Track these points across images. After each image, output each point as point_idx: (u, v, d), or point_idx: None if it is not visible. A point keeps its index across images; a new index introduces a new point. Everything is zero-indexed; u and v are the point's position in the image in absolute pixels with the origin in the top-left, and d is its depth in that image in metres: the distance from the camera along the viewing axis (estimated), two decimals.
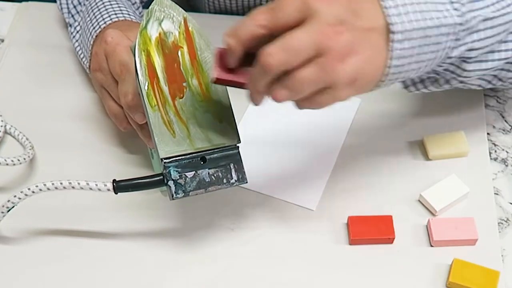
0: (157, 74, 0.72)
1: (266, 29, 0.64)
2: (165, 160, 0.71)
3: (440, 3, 0.70)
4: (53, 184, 0.74)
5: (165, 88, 0.73)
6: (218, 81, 0.69)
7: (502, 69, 0.79)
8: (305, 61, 0.62)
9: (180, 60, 0.74)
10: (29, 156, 0.86)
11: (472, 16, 0.71)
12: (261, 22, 0.64)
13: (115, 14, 0.88)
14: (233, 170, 0.74)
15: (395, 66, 0.67)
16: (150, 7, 0.74)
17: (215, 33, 0.76)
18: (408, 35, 0.66)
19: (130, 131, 0.83)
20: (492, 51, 0.75)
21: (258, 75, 0.64)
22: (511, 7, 0.74)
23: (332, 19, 0.63)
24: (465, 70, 0.75)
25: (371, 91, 0.70)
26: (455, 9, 0.70)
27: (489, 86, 0.82)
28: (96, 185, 0.74)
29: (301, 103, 0.67)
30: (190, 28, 0.75)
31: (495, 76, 0.80)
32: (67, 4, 0.97)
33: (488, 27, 0.72)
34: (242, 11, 1.07)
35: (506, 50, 0.76)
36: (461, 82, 0.77)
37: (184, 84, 0.73)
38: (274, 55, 0.61)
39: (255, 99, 0.68)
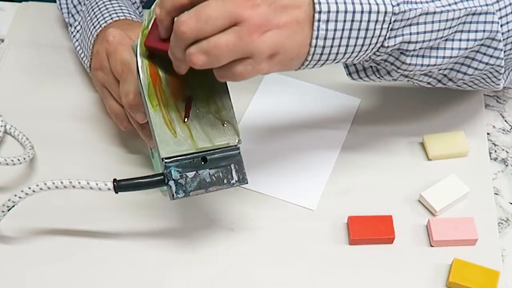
0: (158, 74, 0.72)
1: (188, 2, 0.65)
2: (166, 160, 0.71)
3: None
4: (53, 183, 0.74)
5: (167, 88, 0.73)
6: (147, 47, 0.70)
7: (451, 69, 0.78)
8: (220, 29, 0.63)
9: None
10: (29, 156, 0.86)
11: (410, 7, 0.69)
12: None
13: (116, 13, 0.88)
14: (233, 171, 0.74)
15: (319, 46, 0.67)
16: (152, 7, 0.74)
17: None
18: (333, 16, 0.66)
19: (131, 130, 0.82)
20: (436, 48, 0.74)
21: (174, 42, 0.65)
22: (459, 4, 0.72)
23: None
24: (403, 63, 0.74)
25: (298, 69, 0.70)
26: None
27: (440, 85, 0.81)
28: (97, 184, 0.74)
29: (221, 73, 0.66)
30: None
31: (444, 75, 0.80)
32: (66, 4, 0.97)
33: (429, 21, 0.71)
34: None
35: (452, 49, 0.74)
36: (404, 75, 0.77)
37: (186, 83, 0.74)
38: (187, 22, 0.63)
39: (178, 67, 0.69)
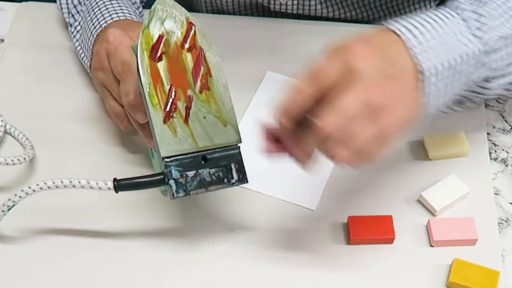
0: (159, 74, 0.72)
1: (314, 99, 0.65)
2: (166, 159, 0.71)
3: (460, 33, 0.71)
4: (53, 182, 0.74)
5: (167, 88, 0.73)
6: (269, 153, 0.72)
7: None
8: (359, 120, 0.64)
9: (183, 60, 0.74)
10: (29, 156, 0.86)
11: (489, 37, 0.72)
12: (308, 94, 0.65)
13: (116, 13, 0.88)
14: (234, 170, 0.74)
15: (427, 103, 0.69)
16: (152, 6, 0.74)
17: (214, 33, 0.76)
18: (438, 74, 0.69)
19: (131, 130, 0.83)
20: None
21: (313, 142, 0.66)
22: None
23: (373, 74, 0.64)
24: (486, 89, 0.76)
25: None
26: (475, 36, 0.71)
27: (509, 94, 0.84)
28: (97, 183, 0.74)
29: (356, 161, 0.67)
30: (192, 28, 0.75)
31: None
32: (67, 4, 0.97)
33: (504, 44, 0.73)
34: (238, 11, 1.08)
35: None
36: (485, 99, 0.80)
37: (187, 83, 0.74)
38: (331, 123, 0.63)
39: (305, 163, 0.69)
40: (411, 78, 0.68)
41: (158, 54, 0.73)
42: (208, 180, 0.73)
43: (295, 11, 1.04)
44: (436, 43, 0.69)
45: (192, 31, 0.75)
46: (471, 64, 0.72)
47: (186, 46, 0.74)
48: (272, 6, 1.04)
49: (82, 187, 0.75)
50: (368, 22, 1.08)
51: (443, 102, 0.72)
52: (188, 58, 0.74)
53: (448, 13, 0.72)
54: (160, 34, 0.73)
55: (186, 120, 0.73)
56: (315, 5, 1.03)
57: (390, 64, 0.66)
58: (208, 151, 0.73)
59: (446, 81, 0.70)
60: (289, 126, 0.67)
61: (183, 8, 0.75)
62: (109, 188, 0.74)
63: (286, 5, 1.03)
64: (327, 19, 1.05)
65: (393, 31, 0.69)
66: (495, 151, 0.90)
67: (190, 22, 0.75)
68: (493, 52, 0.73)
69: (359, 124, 0.64)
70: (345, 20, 1.07)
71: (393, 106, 0.65)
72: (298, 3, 1.03)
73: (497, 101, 0.94)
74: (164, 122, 0.72)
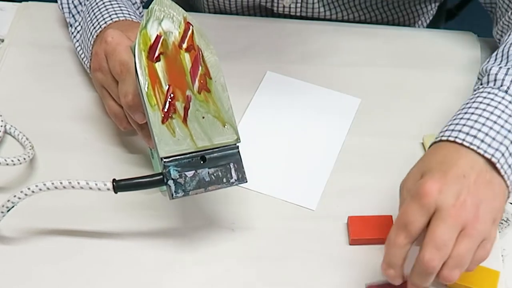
0: (157, 74, 0.72)
1: (410, 244, 0.71)
2: (165, 160, 0.71)
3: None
4: (53, 183, 0.74)
5: (166, 88, 0.73)
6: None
7: None
8: (455, 242, 0.69)
9: (181, 60, 0.74)
10: (29, 156, 0.86)
11: None
12: (406, 244, 0.71)
13: (116, 14, 0.88)
14: (233, 170, 0.74)
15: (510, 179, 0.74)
16: (150, 7, 0.74)
17: (214, 33, 0.76)
18: (506, 154, 0.73)
19: (130, 130, 0.83)
20: None
21: (423, 276, 0.70)
22: None
23: (452, 200, 0.69)
24: None
25: None
26: None
27: None
28: (96, 184, 0.74)
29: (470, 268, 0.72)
30: (190, 28, 0.75)
31: None
32: (68, 4, 0.97)
33: None
34: (241, 12, 1.08)
35: None
36: None
37: (185, 83, 0.74)
38: (434, 257, 0.68)
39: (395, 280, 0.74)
40: (487, 173, 0.72)
41: (156, 54, 0.73)
42: (207, 180, 0.73)
43: (298, 14, 1.04)
44: (499, 134, 0.74)
45: (190, 31, 0.75)
46: None
47: (184, 46, 0.74)
48: (275, 8, 1.04)
49: (81, 188, 0.75)
50: (371, 23, 1.09)
51: None
52: (186, 58, 0.74)
53: (497, 99, 0.77)
54: (157, 35, 0.73)
55: (184, 120, 0.73)
56: (318, 8, 1.03)
57: (462, 177, 0.71)
58: (207, 151, 0.73)
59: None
60: (399, 275, 0.73)
61: (180, 8, 0.75)
62: (108, 189, 0.74)
63: (290, 7, 1.03)
64: (330, 21, 1.05)
65: (455, 142, 0.74)
66: None
67: (188, 22, 0.75)
68: None
69: (456, 245, 0.69)
70: (348, 22, 1.07)
71: (481, 214, 0.70)
72: (301, 6, 1.03)
73: None
74: (163, 122, 0.72)
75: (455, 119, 0.77)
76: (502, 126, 0.74)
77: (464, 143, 0.73)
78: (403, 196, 0.74)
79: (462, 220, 0.69)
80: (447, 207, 0.69)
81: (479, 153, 0.72)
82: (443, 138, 0.75)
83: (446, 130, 0.76)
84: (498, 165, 0.72)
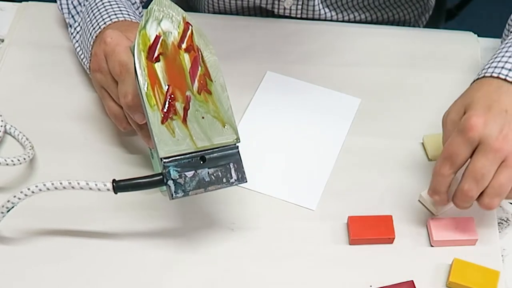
0: (157, 74, 0.72)
1: (454, 173, 0.77)
2: (164, 160, 0.71)
3: None
4: (53, 184, 0.74)
5: (165, 88, 0.73)
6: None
7: None
8: (495, 172, 0.75)
9: (181, 60, 0.74)
10: (29, 156, 0.86)
11: None
12: (450, 174, 0.77)
13: (115, 14, 0.88)
14: (232, 170, 0.74)
15: None
16: (149, 7, 0.74)
17: (214, 33, 0.76)
18: None
19: (130, 131, 0.83)
20: None
21: (463, 202, 0.77)
22: None
23: (495, 133, 0.74)
24: None
25: None
26: None
27: None
28: (96, 185, 0.74)
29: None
30: (189, 28, 0.75)
31: None
32: (67, 4, 0.97)
33: None
34: (242, 11, 1.08)
35: None
36: None
37: (184, 84, 0.73)
38: (472, 188, 0.75)
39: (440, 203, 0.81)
40: None
41: (155, 54, 0.73)
42: (207, 180, 0.73)
43: (299, 15, 1.04)
44: None
45: (189, 31, 0.75)
46: None
47: (183, 46, 0.74)
48: (276, 10, 1.04)
49: (81, 188, 0.75)
50: (371, 23, 1.09)
51: None
52: (186, 58, 0.74)
53: None
54: (157, 35, 0.73)
55: (184, 120, 0.73)
56: (319, 9, 1.03)
57: (504, 113, 0.75)
58: (207, 151, 0.73)
59: None
60: (444, 202, 0.79)
61: (179, 8, 0.75)
62: (108, 190, 0.74)
63: (290, 9, 1.03)
64: (330, 21, 1.05)
65: (499, 78, 0.78)
66: None
67: (187, 22, 0.75)
68: None
69: (496, 175, 0.74)
70: (348, 22, 1.07)
71: None
72: (302, 8, 1.03)
73: None
74: (162, 122, 0.72)
75: (496, 57, 0.81)
76: None
77: (508, 78, 0.77)
78: (447, 128, 0.78)
79: (504, 153, 0.74)
80: (490, 141, 0.73)
81: None
82: (487, 74, 0.79)
83: (489, 68, 0.79)
84: None
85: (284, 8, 1.04)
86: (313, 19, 1.05)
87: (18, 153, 0.87)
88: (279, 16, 1.06)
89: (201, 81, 0.74)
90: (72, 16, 0.96)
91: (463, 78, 0.95)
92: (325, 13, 1.04)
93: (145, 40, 0.73)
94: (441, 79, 0.96)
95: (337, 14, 1.05)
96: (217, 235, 0.83)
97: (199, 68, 0.74)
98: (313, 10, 1.03)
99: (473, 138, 0.74)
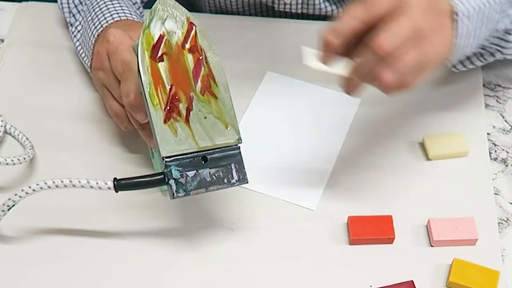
0: (160, 74, 0.72)
1: (363, 23, 0.70)
2: (166, 159, 0.71)
3: None
4: (53, 182, 0.74)
5: (168, 88, 0.73)
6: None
7: None
8: (407, 44, 0.68)
9: (184, 60, 0.74)
10: (29, 156, 0.86)
11: None
12: (359, 18, 0.70)
13: (117, 13, 0.88)
14: (234, 170, 0.74)
15: (459, 44, 0.74)
16: (153, 6, 0.74)
17: (214, 33, 0.76)
18: (470, 17, 0.74)
19: (131, 130, 0.82)
20: None
21: (368, 61, 0.69)
22: None
23: (421, 4, 0.70)
24: (508, 42, 0.83)
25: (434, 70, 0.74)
26: None
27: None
28: (97, 183, 0.74)
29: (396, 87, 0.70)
30: (193, 28, 0.75)
31: None
32: (68, 3, 0.97)
33: None
34: (242, 11, 1.08)
35: None
36: (503, 54, 0.85)
37: (188, 84, 0.74)
38: (386, 41, 0.67)
39: (352, 87, 0.72)
40: (448, 18, 0.73)
41: (159, 54, 0.73)
42: (208, 180, 0.73)
43: (299, 11, 1.04)
44: None
45: (193, 31, 0.75)
46: (497, 11, 0.77)
47: (187, 46, 0.74)
48: (276, 5, 1.04)
49: (82, 186, 0.75)
50: None
51: (471, 46, 0.77)
52: (189, 58, 0.74)
53: None
54: (160, 34, 0.73)
55: (186, 120, 0.73)
56: (319, 3, 1.03)
57: (433, 2, 0.71)
58: (209, 151, 0.73)
59: (476, 24, 0.75)
60: (336, 43, 0.70)
61: (183, 8, 0.75)
62: (109, 188, 0.74)
63: (291, 4, 1.03)
64: (331, 18, 1.05)
65: None
66: (495, 151, 0.90)
67: (191, 22, 0.75)
68: None
69: (406, 48, 0.68)
70: None
71: (434, 37, 0.70)
72: (302, 3, 1.03)
73: (497, 101, 0.94)
74: (165, 122, 0.72)
75: None
76: None
77: None
78: None
79: (422, 28, 0.69)
80: (416, 6, 0.69)
81: None
82: None
83: None
84: None
85: (285, 4, 1.03)
86: (313, 14, 1.05)
87: (18, 153, 0.87)
88: (279, 13, 1.06)
89: (204, 82, 0.74)
90: (73, 15, 0.96)
91: (462, 78, 0.95)
92: (326, 7, 1.04)
93: (149, 39, 0.73)
94: (441, 79, 0.96)
95: (337, 8, 1.05)
96: (217, 235, 0.83)
97: (203, 68, 0.74)
98: (314, 5, 1.03)
99: None
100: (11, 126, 0.90)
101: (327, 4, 1.04)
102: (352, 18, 0.70)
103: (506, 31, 0.83)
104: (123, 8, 0.89)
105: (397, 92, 0.70)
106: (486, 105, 0.94)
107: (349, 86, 0.72)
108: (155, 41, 0.73)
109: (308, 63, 0.75)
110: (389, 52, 0.67)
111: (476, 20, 0.75)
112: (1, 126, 0.90)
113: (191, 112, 0.73)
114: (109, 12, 0.88)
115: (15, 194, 0.75)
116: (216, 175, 0.73)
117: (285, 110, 0.93)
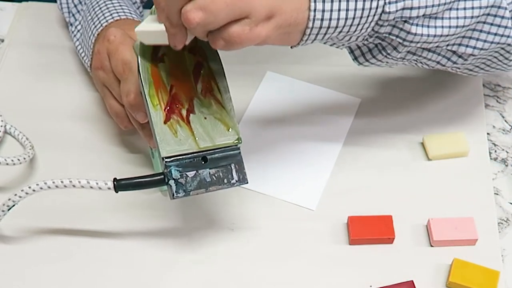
0: (160, 74, 0.72)
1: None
2: (166, 159, 0.71)
3: None
4: (53, 182, 0.74)
5: (168, 88, 0.73)
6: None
7: (460, 44, 0.77)
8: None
9: (184, 61, 0.74)
10: (29, 156, 0.86)
11: None
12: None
13: (117, 12, 0.88)
14: (234, 171, 0.74)
15: (318, 10, 0.67)
16: (153, 6, 0.74)
17: None
18: None
19: (131, 130, 0.83)
20: (441, 18, 0.73)
21: (171, 3, 0.63)
22: None
23: None
24: (409, 33, 0.72)
25: (299, 44, 0.69)
26: None
27: (449, 64, 0.79)
28: (97, 183, 0.74)
29: (217, 36, 0.64)
30: None
31: (453, 52, 0.78)
32: (67, 3, 0.97)
33: None
34: None
35: (456, 18, 0.73)
36: (411, 52, 0.76)
37: (188, 84, 0.74)
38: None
39: (174, 37, 0.66)
40: None
41: (159, 54, 0.73)
42: (208, 180, 0.73)
43: None
44: None
45: None
46: None
47: (187, 47, 0.74)
48: None
49: (82, 187, 0.75)
50: None
51: (346, 19, 0.68)
52: (190, 59, 0.74)
53: None
54: None
55: (187, 120, 0.73)
56: None
57: None
58: (209, 152, 0.73)
59: None
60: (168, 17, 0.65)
61: None
62: (109, 188, 0.74)
63: None
64: None
65: None
66: (495, 151, 0.90)
67: None
68: None
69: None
70: None
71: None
72: None
73: (497, 101, 0.94)
74: (165, 122, 0.72)
75: None
76: None
77: None
78: None
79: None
80: None
81: None
82: None
83: None
84: None
85: None
86: None
87: (18, 153, 0.87)
88: None
89: (205, 83, 0.74)
90: (73, 15, 0.96)
91: (462, 78, 0.95)
92: None
93: None
94: (440, 79, 0.96)
95: None
96: (217, 235, 0.83)
97: (203, 69, 0.74)
98: None
99: None
100: (11, 126, 0.90)
101: None
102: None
103: (404, 20, 0.71)
104: (123, 7, 0.89)
105: (223, 45, 0.65)
106: (486, 105, 0.94)
107: (171, 39, 0.66)
108: None
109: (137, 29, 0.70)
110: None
111: None
112: (1, 126, 0.90)
113: (191, 113, 0.73)
114: (109, 11, 0.88)
115: (15, 194, 0.75)
116: (216, 175, 0.73)
117: (285, 110, 0.93)
